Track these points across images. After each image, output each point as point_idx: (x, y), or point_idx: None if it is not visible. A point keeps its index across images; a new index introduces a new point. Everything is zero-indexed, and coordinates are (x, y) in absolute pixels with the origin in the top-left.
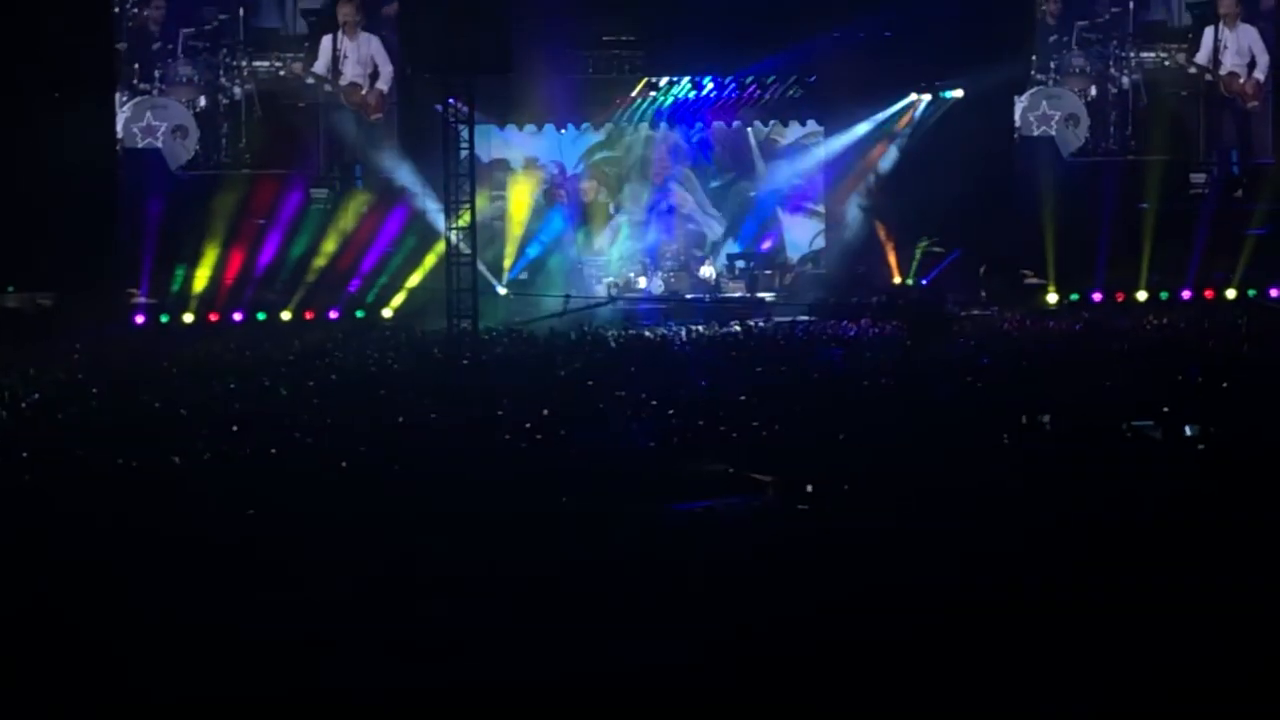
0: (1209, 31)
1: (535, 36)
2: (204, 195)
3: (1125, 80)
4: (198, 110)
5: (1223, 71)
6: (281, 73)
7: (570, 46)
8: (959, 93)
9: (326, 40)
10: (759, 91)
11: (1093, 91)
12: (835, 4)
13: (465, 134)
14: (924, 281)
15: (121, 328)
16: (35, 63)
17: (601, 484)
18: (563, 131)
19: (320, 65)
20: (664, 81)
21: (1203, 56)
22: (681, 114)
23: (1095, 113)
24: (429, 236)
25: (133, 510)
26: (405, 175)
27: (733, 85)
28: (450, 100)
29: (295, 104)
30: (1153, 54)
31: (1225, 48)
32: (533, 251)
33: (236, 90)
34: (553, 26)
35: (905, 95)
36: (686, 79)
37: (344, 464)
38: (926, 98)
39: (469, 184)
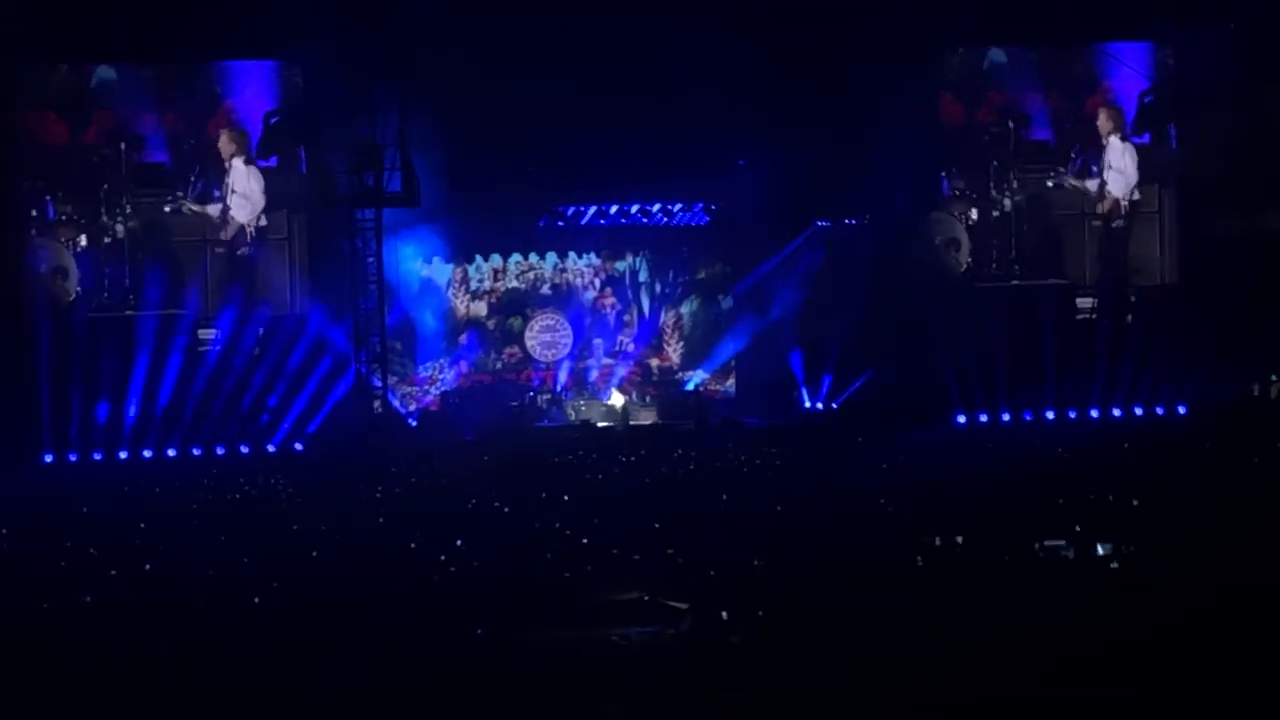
0: (1089, 151)
1: (442, 169)
2: (95, 336)
3: (1007, 203)
4: (78, 250)
5: (1104, 191)
6: (166, 209)
7: (478, 179)
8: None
9: (210, 175)
10: (664, 219)
11: (974, 215)
12: (739, 136)
13: (373, 266)
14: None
15: (30, 467)
16: None
17: (514, 613)
18: (470, 264)
19: (203, 199)
20: (571, 211)
21: (1083, 176)
22: (592, 242)
23: (976, 237)
24: (339, 367)
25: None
26: (309, 308)
27: (639, 212)
28: (359, 233)
29: (181, 240)
30: (1033, 175)
31: (1108, 167)
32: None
33: (119, 228)
34: (459, 161)
35: (808, 225)
36: (594, 207)
37: (255, 599)
38: (827, 225)
39: (378, 316)
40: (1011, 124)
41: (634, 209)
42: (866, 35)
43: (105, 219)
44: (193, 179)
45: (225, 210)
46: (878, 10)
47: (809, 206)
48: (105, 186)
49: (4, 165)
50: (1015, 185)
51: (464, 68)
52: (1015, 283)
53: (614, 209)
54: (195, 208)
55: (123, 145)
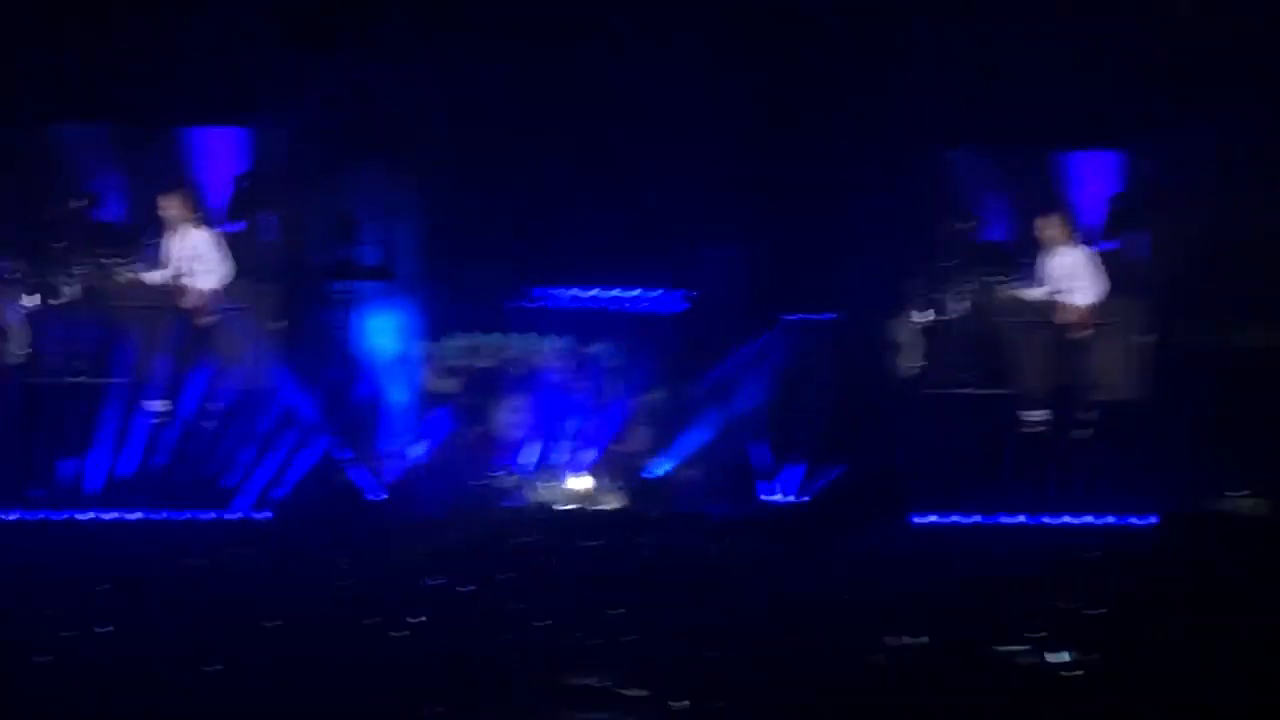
0: (1039, 256)
1: (418, 244)
2: (37, 402)
3: (965, 306)
4: (25, 310)
5: (1055, 297)
6: (119, 272)
7: (454, 255)
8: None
9: (159, 237)
10: (638, 305)
11: (930, 316)
12: (714, 225)
13: (344, 338)
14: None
15: None
16: None
17: (472, 696)
18: (443, 340)
19: (150, 265)
20: (544, 292)
21: (1033, 282)
22: (564, 325)
23: (933, 340)
24: (306, 438)
25: None
26: (276, 377)
27: (612, 297)
28: (332, 305)
29: (137, 305)
30: (983, 279)
31: (1065, 274)
32: None
33: (69, 289)
34: (436, 236)
35: (778, 318)
36: (568, 289)
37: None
38: (797, 320)
39: (348, 389)
40: (971, 226)
41: (608, 293)
42: (842, 134)
43: (55, 279)
44: (147, 242)
45: (179, 276)
46: (852, 110)
47: (780, 299)
48: (58, 244)
49: None
50: (974, 289)
51: (445, 142)
52: (969, 390)
53: (588, 292)
54: (151, 273)
55: (75, 203)
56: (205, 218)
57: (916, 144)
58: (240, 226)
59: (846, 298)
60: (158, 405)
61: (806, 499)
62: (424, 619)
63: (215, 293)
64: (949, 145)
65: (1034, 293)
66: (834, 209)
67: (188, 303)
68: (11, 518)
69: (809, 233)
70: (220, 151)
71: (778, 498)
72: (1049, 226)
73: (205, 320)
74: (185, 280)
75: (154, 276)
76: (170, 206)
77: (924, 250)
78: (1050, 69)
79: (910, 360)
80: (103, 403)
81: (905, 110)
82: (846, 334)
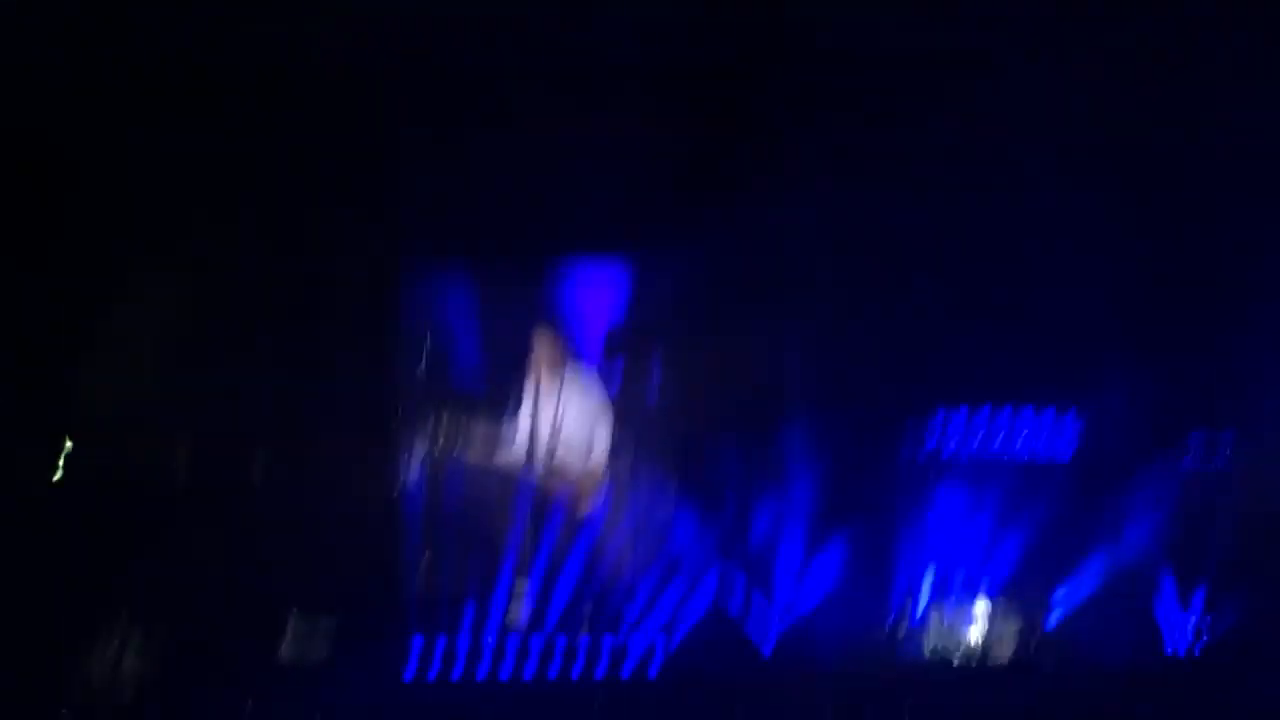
0: None
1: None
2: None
3: None
4: None
5: None
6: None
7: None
8: None
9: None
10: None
11: None
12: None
13: None
14: None
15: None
16: None
17: None
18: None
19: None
20: None
21: None
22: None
23: None
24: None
25: None
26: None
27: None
28: None
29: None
30: None
31: None
32: None
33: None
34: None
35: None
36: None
37: None
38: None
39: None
40: None
41: (999, 418)
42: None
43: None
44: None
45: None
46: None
47: (1179, 424)
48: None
49: None
50: None
51: (833, 277)
52: None
53: (979, 423)
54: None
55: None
56: (583, 363)
57: None
58: (616, 372)
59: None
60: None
61: (1211, 645)
62: None
63: (596, 463)
64: None
65: None
66: (1228, 319)
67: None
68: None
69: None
70: (600, 292)
71: (1182, 647)
72: None
73: (587, 503)
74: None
75: (522, 437)
76: (547, 348)
77: None
78: None
79: None
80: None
81: None
82: (1253, 456)
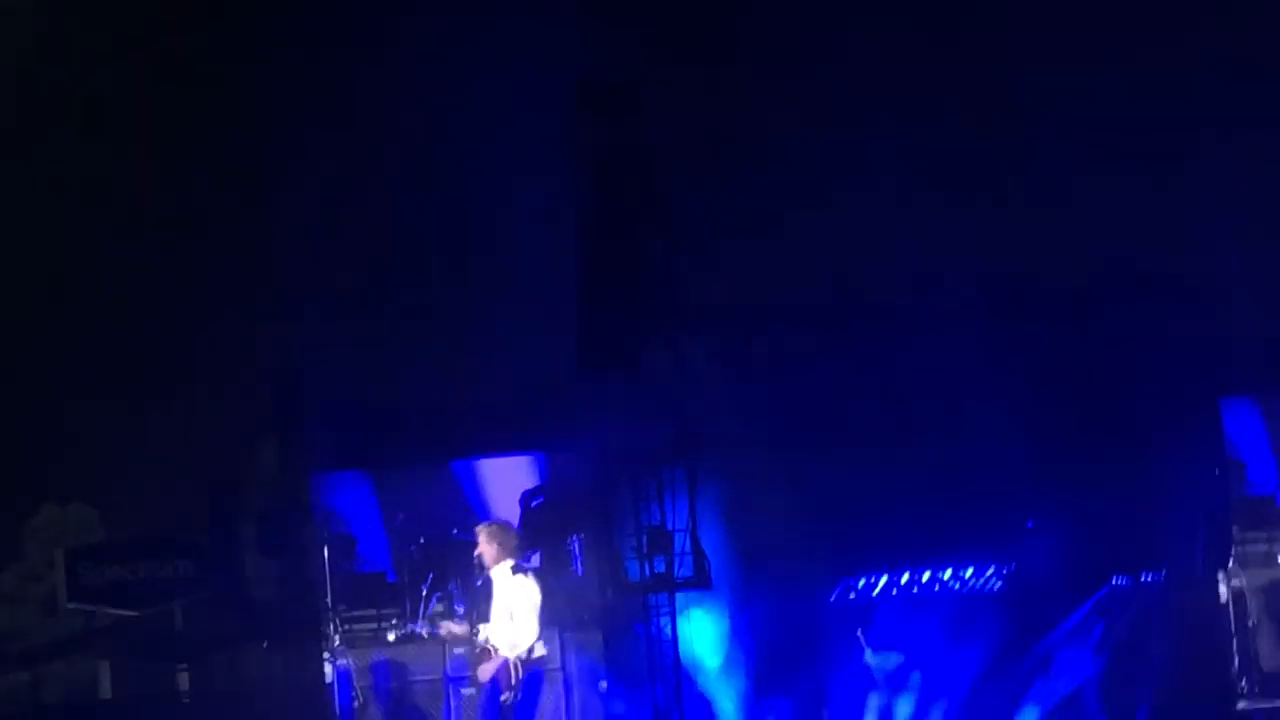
0: None
1: (729, 548)
2: None
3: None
4: None
5: None
6: (390, 635)
7: (766, 556)
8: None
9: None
10: (956, 586)
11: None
12: (1028, 497)
13: (669, 651)
14: None
15: None
16: None
17: None
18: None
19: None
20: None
21: None
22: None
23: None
24: None
25: None
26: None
27: (929, 581)
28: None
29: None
30: None
31: None
32: None
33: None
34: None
35: (1103, 584)
36: (885, 576)
37: None
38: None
39: (678, 702)
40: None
41: (925, 577)
42: (1155, 389)
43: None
44: (425, 593)
45: (473, 633)
46: (1165, 361)
47: (1102, 566)
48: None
49: None
50: None
51: (745, 446)
52: None
53: (904, 578)
54: (438, 629)
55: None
56: (510, 555)
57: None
58: (535, 559)
59: (1166, 557)
60: None
61: None
62: None
63: (524, 657)
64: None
65: None
66: (1157, 465)
67: (486, 674)
68: None
69: (1136, 492)
70: (515, 483)
71: None
72: None
73: (508, 698)
74: (493, 637)
75: (456, 631)
76: (490, 541)
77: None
78: None
79: (1245, 627)
80: None
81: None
82: (1174, 599)
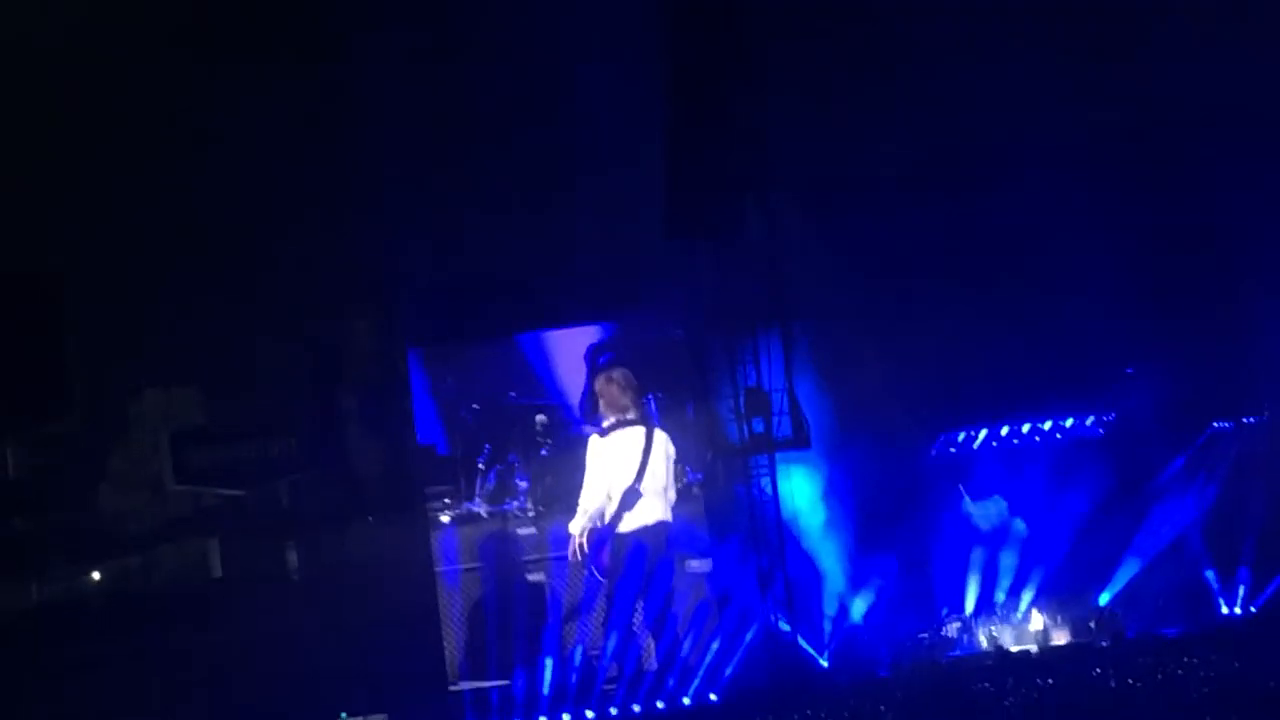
0: None
1: (827, 408)
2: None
3: None
4: None
5: None
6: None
7: (864, 413)
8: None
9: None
10: (1057, 437)
11: None
12: (1127, 344)
13: (771, 511)
14: None
15: None
16: None
17: None
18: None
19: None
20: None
21: None
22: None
23: None
24: (745, 617)
25: None
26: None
27: (1030, 432)
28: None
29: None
30: None
31: None
32: None
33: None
34: (843, 397)
35: (1205, 429)
36: (984, 429)
37: None
38: (1227, 427)
39: (780, 561)
40: None
41: (1025, 429)
42: (1255, 234)
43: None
44: (481, 467)
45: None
46: (1263, 206)
47: (1204, 410)
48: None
49: None
50: None
51: (839, 305)
52: None
53: (1004, 430)
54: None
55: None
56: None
57: None
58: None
59: (1268, 400)
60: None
61: (1256, 610)
62: None
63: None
64: None
65: None
66: (1238, 311)
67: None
68: None
69: (1236, 335)
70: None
71: (1230, 611)
72: None
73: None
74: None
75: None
76: (627, 389)
77: None
78: None
79: None
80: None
81: None
82: (1276, 441)
